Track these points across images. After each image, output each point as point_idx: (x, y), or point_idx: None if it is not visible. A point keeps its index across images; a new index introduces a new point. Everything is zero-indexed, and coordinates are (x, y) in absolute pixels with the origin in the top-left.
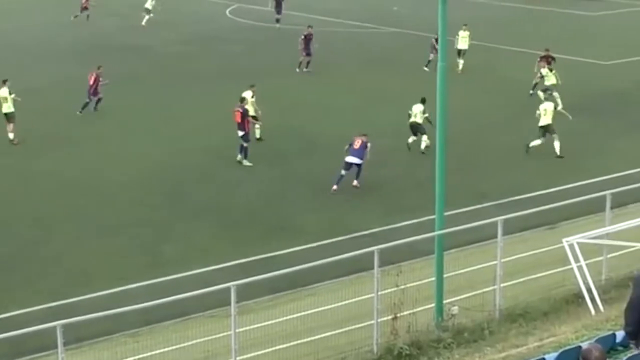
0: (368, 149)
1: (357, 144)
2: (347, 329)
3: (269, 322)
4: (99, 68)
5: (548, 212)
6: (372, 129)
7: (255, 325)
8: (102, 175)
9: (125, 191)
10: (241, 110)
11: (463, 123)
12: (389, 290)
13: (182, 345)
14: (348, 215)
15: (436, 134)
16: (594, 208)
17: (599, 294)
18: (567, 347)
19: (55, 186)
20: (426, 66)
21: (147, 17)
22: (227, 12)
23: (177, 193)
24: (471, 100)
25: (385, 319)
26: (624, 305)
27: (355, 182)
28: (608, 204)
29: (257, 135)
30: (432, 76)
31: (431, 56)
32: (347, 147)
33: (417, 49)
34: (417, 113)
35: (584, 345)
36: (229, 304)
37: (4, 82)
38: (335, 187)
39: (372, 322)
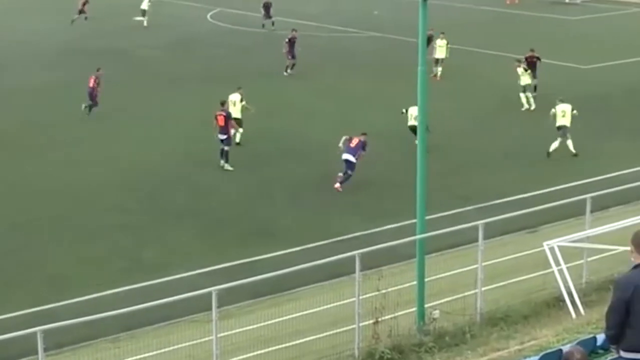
0: (364, 150)
1: (354, 142)
2: (328, 333)
3: (251, 327)
4: (98, 70)
5: (529, 215)
6: (354, 133)
7: (237, 330)
8: (81, 180)
9: (104, 196)
10: (224, 114)
11: (444, 127)
12: (371, 295)
13: (163, 350)
14: (329, 219)
15: (417, 138)
16: (575, 211)
17: (579, 297)
18: (548, 351)
19: (33, 192)
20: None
21: (145, 18)
22: (209, 16)
23: (157, 197)
24: (451, 104)
25: (366, 323)
26: (604, 309)
27: (337, 185)
28: (588, 208)
29: (237, 140)
30: (413, 80)
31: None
32: (342, 140)
33: (398, 52)
34: (417, 116)
35: (565, 348)
36: (211, 308)
37: None
38: (337, 185)
39: (354, 326)
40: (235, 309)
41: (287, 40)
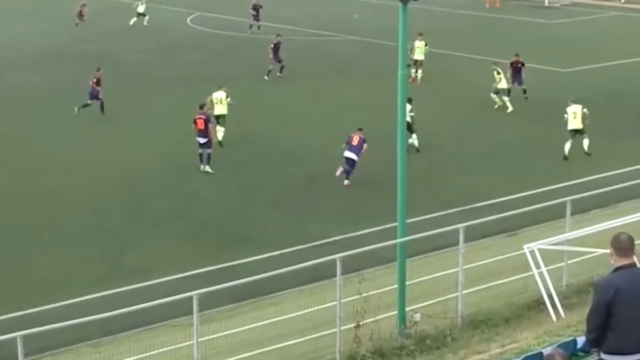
0: (365, 146)
1: (356, 140)
2: (309, 337)
3: (232, 331)
4: (98, 70)
5: (510, 218)
6: (334, 137)
7: (218, 334)
8: (63, 184)
9: (85, 199)
10: (204, 117)
11: (425, 130)
12: (352, 298)
13: (144, 355)
14: (310, 223)
15: (397, 141)
16: (555, 214)
17: (560, 300)
18: (529, 353)
19: (14, 195)
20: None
21: (136, 19)
22: (188, 20)
23: (137, 201)
24: (432, 107)
25: (348, 326)
26: (584, 311)
27: (346, 182)
28: (568, 211)
29: (220, 139)
30: (392, 84)
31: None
32: (344, 145)
33: (378, 56)
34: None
35: (546, 351)
36: (192, 313)
37: None
38: (346, 182)
39: (335, 330)
40: (216, 313)
41: (272, 45)
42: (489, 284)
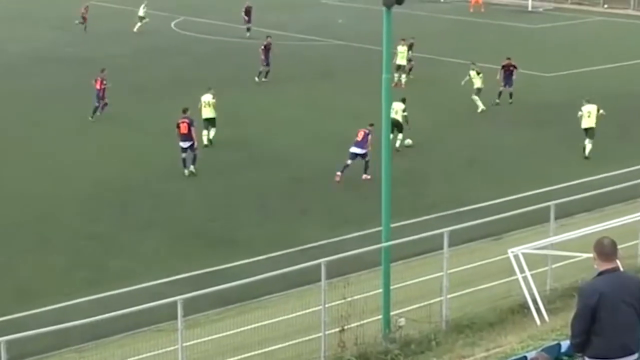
0: (370, 139)
1: (360, 135)
2: (294, 341)
3: (217, 336)
4: (102, 71)
5: (494, 223)
6: (319, 141)
7: (203, 339)
8: (45, 189)
9: (68, 204)
10: (187, 121)
11: (410, 134)
12: (337, 303)
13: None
14: (295, 227)
15: (381, 145)
16: (539, 219)
17: (544, 304)
18: (513, 357)
19: None
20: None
21: (139, 24)
22: (173, 24)
23: (122, 206)
24: (416, 111)
25: (332, 331)
26: (568, 315)
27: (364, 176)
28: (552, 215)
29: (210, 137)
30: (377, 88)
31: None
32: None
33: (362, 61)
34: (398, 110)
35: (530, 355)
36: (177, 317)
37: None
38: (338, 174)
39: (320, 334)
40: (201, 318)
41: (262, 47)
42: (473, 289)
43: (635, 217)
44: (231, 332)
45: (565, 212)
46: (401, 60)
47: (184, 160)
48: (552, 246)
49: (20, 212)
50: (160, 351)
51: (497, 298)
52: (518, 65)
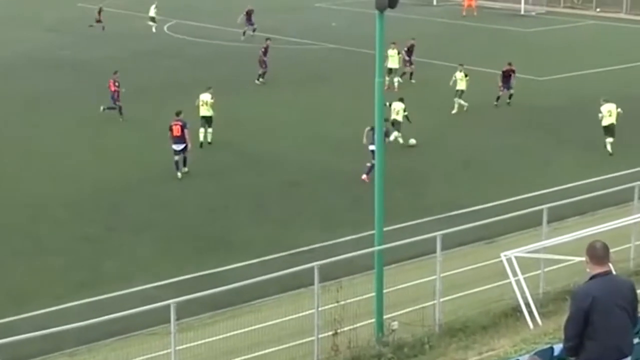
0: (388, 137)
1: None
2: (287, 345)
3: (210, 339)
4: (115, 73)
5: (486, 226)
6: (313, 144)
7: (196, 343)
8: (38, 192)
9: (61, 207)
10: (180, 124)
11: (408, 135)
12: (330, 306)
13: None
14: (288, 231)
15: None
16: (532, 222)
17: (536, 308)
18: None
19: None
20: (401, 77)
21: (153, 24)
22: (165, 28)
23: (114, 209)
24: (410, 114)
25: (325, 334)
26: (561, 319)
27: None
28: (545, 218)
29: (209, 140)
30: (370, 91)
31: (408, 69)
32: (365, 133)
33: (356, 64)
34: (399, 110)
35: (523, 358)
36: (169, 321)
37: None
38: (364, 176)
39: (313, 338)
40: (194, 321)
41: (262, 49)
42: (466, 292)
43: (627, 220)
44: (224, 335)
45: (558, 216)
46: (392, 63)
47: (176, 163)
48: (545, 250)
49: (13, 213)
50: (153, 355)
51: (490, 301)
52: (501, 68)
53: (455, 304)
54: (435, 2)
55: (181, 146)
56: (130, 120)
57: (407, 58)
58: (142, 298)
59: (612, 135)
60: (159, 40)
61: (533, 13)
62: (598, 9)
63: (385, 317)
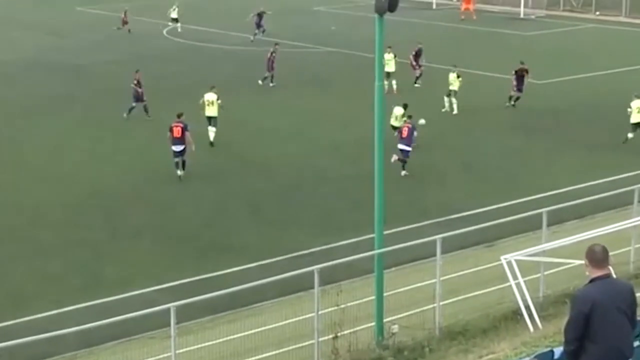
0: (415, 134)
1: (405, 132)
2: (287, 348)
3: (210, 343)
4: (136, 72)
5: (486, 230)
6: (312, 148)
7: (196, 346)
8: (36, 196)
9: (60, 211)
10: (181, 126)
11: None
12: (330, 310)
13: None
14: (288, 234)
15: (375, 152)
16: (532, 225)
17: (536, 311)
18: None
19: None
20: (415, 83)
21: (178, 24)
22: (164, 32)
23: (113, 213)
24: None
25: (325, 338)
26: (561, 322)
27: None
28: (544, 222)
29: (211, 139)
30: (370, 95)
31: (417, 72)
32: (396, 134)
33: (355, 68)
34: (398, 116)
35: None
36: (169, 325)
37: None
38: (403, 172)
39: (313, 341)
40: (194, 325)
41: (270, 53)
42: (466, 295)
43: (627, 224)
44: (224, 339)
45: (558, 219)
46: (389, 67)
47: (176, 163)
48: (545, 253)
49: (12, 218)
50: (153, 358)
51: (490, 305)
52: (506, 72)
53: (456, 307)
54: (434, 6)
55: (180, 148)
56: (130, 124)
57: (414, 63)
58: (142, 301)
59: (634, 131)
60: (158, 44)
61: (532, 16)
62: (597, 12)
63: (385, 320)
